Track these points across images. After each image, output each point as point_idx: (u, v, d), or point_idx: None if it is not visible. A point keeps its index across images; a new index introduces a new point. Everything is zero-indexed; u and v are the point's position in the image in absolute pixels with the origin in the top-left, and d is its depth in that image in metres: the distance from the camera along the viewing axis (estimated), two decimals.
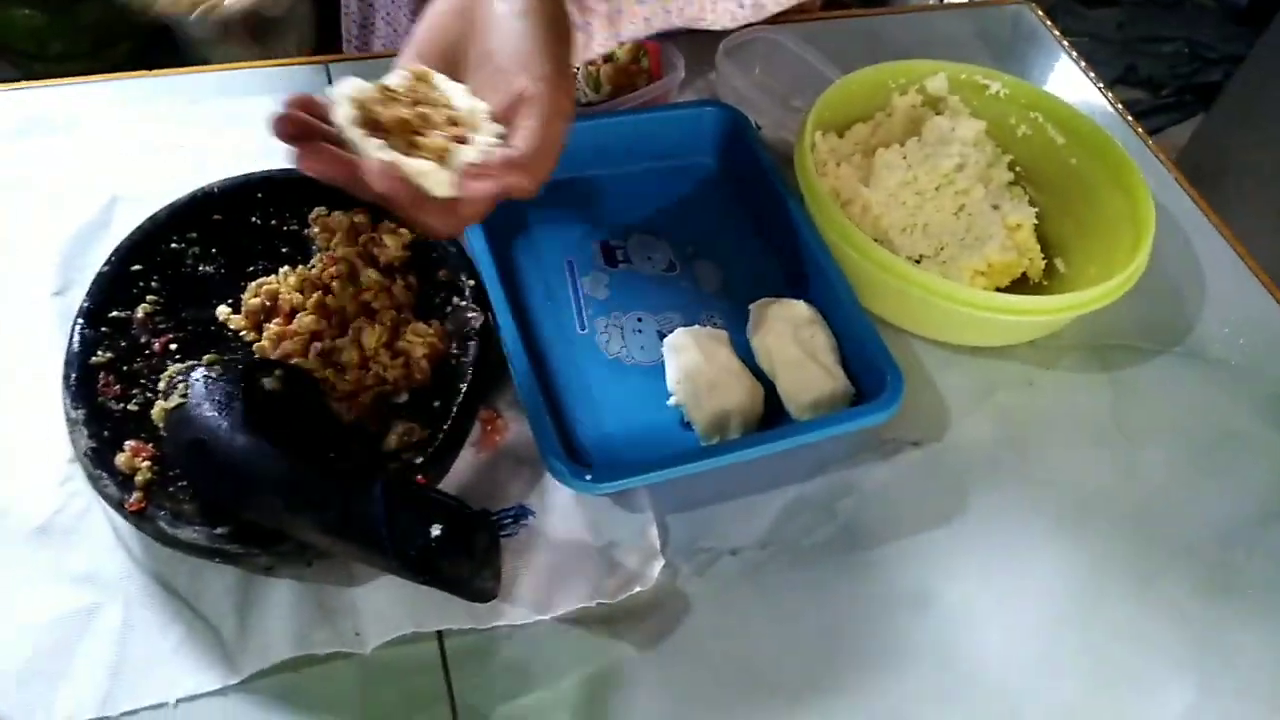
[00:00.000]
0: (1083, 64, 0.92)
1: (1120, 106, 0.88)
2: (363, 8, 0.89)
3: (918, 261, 0.70)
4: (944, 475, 0.61)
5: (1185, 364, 0.69)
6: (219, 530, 0.48)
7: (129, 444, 0.51)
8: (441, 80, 0.46)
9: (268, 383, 0.50)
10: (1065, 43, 0.94)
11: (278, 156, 0.64)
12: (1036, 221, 0.71)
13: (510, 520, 0.54)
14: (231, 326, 0.58)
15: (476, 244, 0.61)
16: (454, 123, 0.44)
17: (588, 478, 0.52)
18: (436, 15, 0.48)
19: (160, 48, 1.97)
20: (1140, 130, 0.86)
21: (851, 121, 0.75)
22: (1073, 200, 0.72)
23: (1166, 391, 0.67)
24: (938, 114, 0.75)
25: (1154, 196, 0.67)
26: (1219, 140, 1.94)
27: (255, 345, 0.56)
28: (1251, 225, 0.79)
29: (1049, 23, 0.96)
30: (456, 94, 0.45)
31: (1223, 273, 0.75)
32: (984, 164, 0.72)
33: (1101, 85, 0.90)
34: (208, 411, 0.48)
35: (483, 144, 0.43)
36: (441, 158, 0.42)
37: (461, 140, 0.43)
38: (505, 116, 0.45)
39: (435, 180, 0.42)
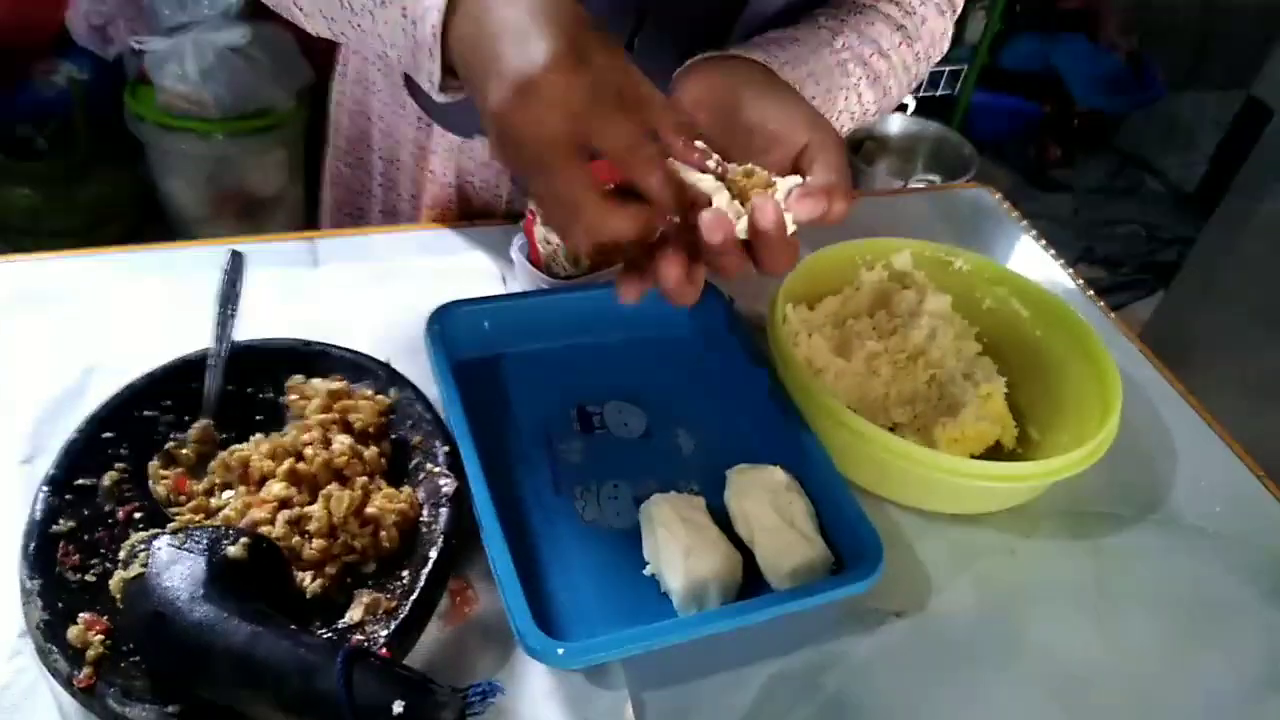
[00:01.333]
0: (1043, 242, 0.96)
1: (1081, 282, 0.91)
2: (357, 121, 0.93)
3: (892, 429, 0.70)
4: (929, 646, 0.59)
5: (1164, 531, 0.69)
6: (170, 709, 0.46)
7: (83, 616, 0.49)
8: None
9: (232, 551, 0.48)
10: (1024, 223, 0.98)
11: (258, 325, 0.66)
12: (1007, 391, 0.72)
13: (478, 698, 0.51)
14: (160, 491, 0.57)
15: (452, 408, 0.61)
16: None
17: (560, 652, 0.50)
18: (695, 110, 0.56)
19: (153, 226, 2.04)
20: (1102, 304, 0.89)
21: (822, 295, 0.77)
22: (1040, 370, 0.74)
23: (1147, 559, 0.67)
24: (905, 288, 0.77)
25: (1120, 367, 0.68)
26: (1180, 315, 2.01)
27: (221, 512, 0.55)
28: (1218, 397, 0.81)
29: (1006, 204, 1.01)
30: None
31: (1193, 440, 0.76)
32: (953, 335, 0.74)
33: (1062, 262, 0.94)
34: (167, 581, 0.47)
35: (791, 182, 0.52)
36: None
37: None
38: (797, 169, 0.54)
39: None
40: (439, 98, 0.56)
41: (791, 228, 0.51)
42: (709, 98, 0.57)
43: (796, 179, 0.52)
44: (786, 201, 0.51)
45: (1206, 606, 0.64)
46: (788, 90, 0.57)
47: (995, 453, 0.71)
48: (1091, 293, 0.90)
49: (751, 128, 0.55)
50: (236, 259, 0.67)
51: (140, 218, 2.04)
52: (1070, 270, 0.93)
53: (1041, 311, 0.75)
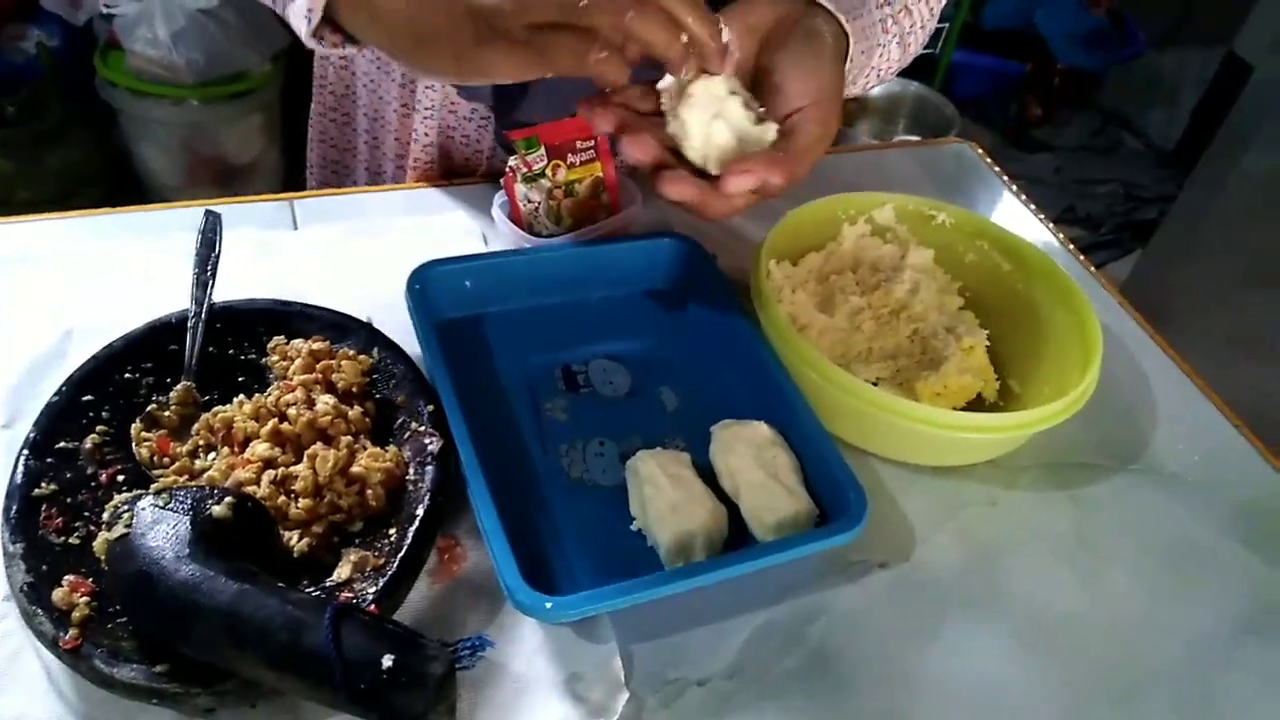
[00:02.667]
0: (1023, 197, 0.96)
1: (1062, 236, 0.92)
2: (343, 76, 0.92)
3: (875, 384, 0.70)
4: (913, 597, 0.60)
5: (1144, 481, 0.70)
6: (158, 668, 0.46)
7: (68, 579, 0.49)
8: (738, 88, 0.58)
9: (217, 511, 0.48)
10: (1005, 178, 0.98)
11: (237, 287, 0.66)
12: (989, 344, 0.73)
13: (468, 652, 0.52)
14: (143, 453, 0.57)
15: (435, 367, 0.61)
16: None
17: (549, 605, 0.51)
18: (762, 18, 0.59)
19: (127, 194, 2.01)
20: (1082, 258, 0.89)
21: (804, 250, 0.77)
22: (1022, 323, 0.74)
23: (1128, 508, 0.68)
24: (887, 243, 0.77)
25: (1100, 320, 0.69)
26: (1158, 274, 2.02)
27: (205, 474, 0.55)
28: (1196, 355, 0.81)
29: (989, 160, 1.01)
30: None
31: (1173, 391, 0.77)
32: (935, 289, 0.74)
33: (1043, 217, 0.94)
34: (152, 541, 0.46)
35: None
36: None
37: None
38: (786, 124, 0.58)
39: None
40: (312, 45, 0.57)
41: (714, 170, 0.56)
42: (750, 29, 0.59)
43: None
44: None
45: (1186, 554, 0.65)
46: (820, 52, 0.59)
47: (977, 405, 0.71)
48: (1072, 247, 0.91)
49: (773, 68, 0.58)
50: (212, 218, 0.66)
51: (114, 186, 2.02)
52: (1051, 225, 0.93)
53: (1023, 265, 0.75)
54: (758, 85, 0.60)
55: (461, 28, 0.50)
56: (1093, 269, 0.89)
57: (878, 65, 0.72)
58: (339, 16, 0.55)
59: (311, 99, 0.95)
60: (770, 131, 0.57)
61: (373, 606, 0.49)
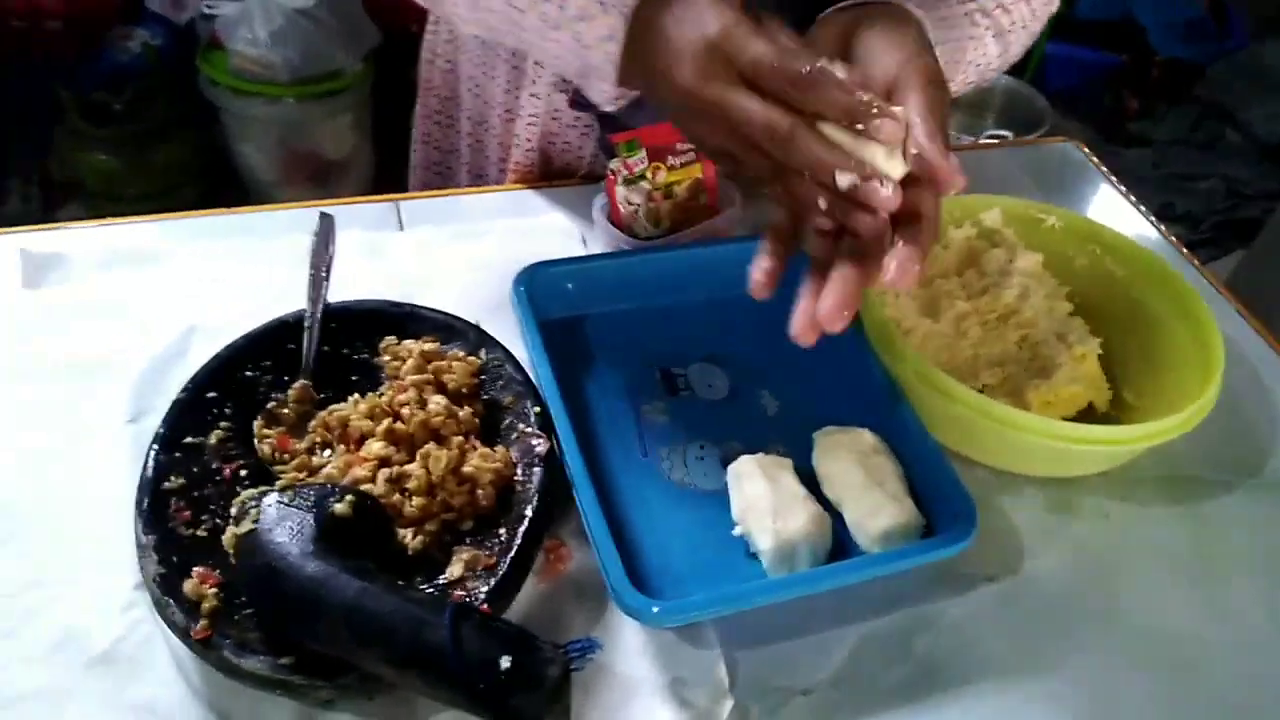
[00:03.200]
0: (1132, 198, 0.93)
1: (1174, 239, 0.88)
2: (448, 80, 0.94)
3: (981, 391, 0.69)
4: (1023, 612, 0.59)
5: (1266, 496, 0.67)
6: (283, 660, 0.47)
7: (196, 570, 0.51)
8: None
9: (338, 509, 0.50)
10: (1113, 178, 0.95)
11: (347, 288, 0.67)
12: (1100, 352, 0.70)
13: (578, 653, 0.52)
14: (264, 449, 0.58)
15: (541, 370, 0.62)
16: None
17: (655, 610, 0.51)
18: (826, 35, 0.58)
19: (227, 189, 2.08)
20: (1196, 263, 0.86)
21: None
22: (1136, 331, 0.72)
23: (1249, 525, 0.65)
24: (994, 246, 0.75)
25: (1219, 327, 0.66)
26: (1263, 273, 1.94)
27: (323, 471, 0.57)
28: None
29: (1095, 159, 0.98)
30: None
31: None
32: (1044, 295, 0.72)
33: (1152, 218, 0.91)
34: (279, 537, 0.48)
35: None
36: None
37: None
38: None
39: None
40: (609, 108, 0.62)
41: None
42: (836, 41, 0.58)
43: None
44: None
45: None
46: (900, 27, 0.57)
47: (1088, 415, 0.69)
48: (1185, 250, 0.87)
49: (852, 58, 0.56)
50: (326, 221, 0.67)
51: (215, 181, 2.08)
52: (1162, 227, 0.90)
53: (1138, 270, 0.73)
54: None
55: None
56: (1205, 272, 0.85)
57: (974, 59, 0.70)
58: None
59: (416, 100, 0.96)
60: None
61: (484, 605, 0.50)
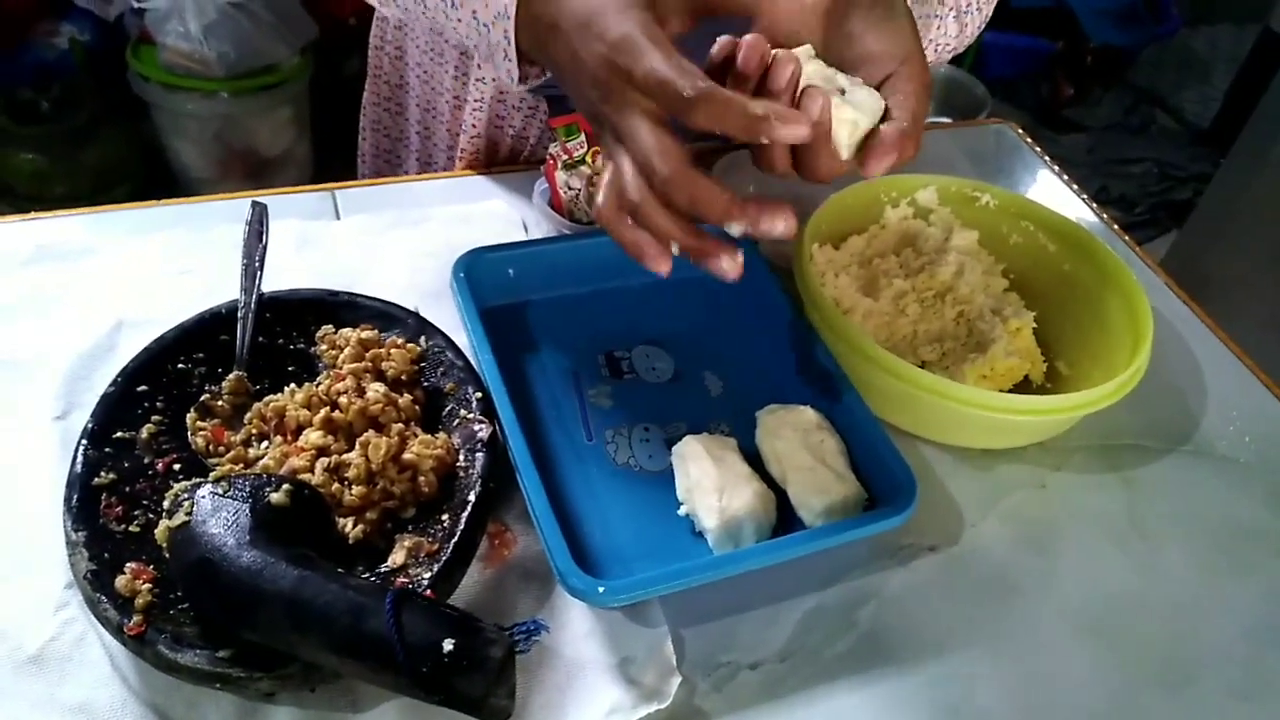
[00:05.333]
0: (1065, 177, 0.95)
1: (1105, 216, 0.90)
2: (397, 67, 0.92)
3: (921, 367, 0.70)
4: (964, 580, 0.60)
5: (1195, 462, 0.69)
6: (221, 654, 0.46)
7: (130, 566, 0.49)
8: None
9: (275, 498, 0.49)
10: (1046, 158, 0.97)
11: (282, 278, 0.66)
12: (1035, 326, 0.72)
13: (523, 635, 0.52)
14: (198, 442, 0.57)
15: (483, 355, 0.61)
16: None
17: (601, 590, 0.51)
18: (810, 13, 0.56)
19: (161, 188, 2.04)
20: (1127, 239, 0.88)
21: (846, 234, 0.76)
22: (1069, 305, 0.73)
23: (1179, 490, 0.67)
24: (930, 225, 0.76)
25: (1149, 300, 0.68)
26: (1195, 254, 1.99)
27: (260, 462, 0.56)
28: (1233, 335, 0.80)
29: (1029, 140, 0.99)
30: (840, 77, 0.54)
31: (1222, 372, 0.76)
32: (980, 271, 0.74)
33: (1085, 197, 0.93)
34: (213, 528, 0.47)
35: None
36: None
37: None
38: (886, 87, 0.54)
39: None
40: (518, 89, 0.60)
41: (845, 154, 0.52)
42: (810, 8, 0.56)
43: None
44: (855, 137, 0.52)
45: (1239, 536, 0.65)
46: (900, 13, 0.56)
47: (1024, 388, 0.71)
48: (1117, 227, 0.89)
49: (853, 36, 0.55)
50: (259, 209, 0.66)
51: (148, 180, 2.04)
52: (1094, 205, 0.92)
53: (1070, 245, 0.74)
54: (841, 60, 0.57)
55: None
56: (1137, 249, 0.87)
57: (935, 39, 0.71)
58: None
59: (361, 91, 0.95)
60: (878, 99, 0.54)
61: (428, 591, 0.49)
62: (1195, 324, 0.81)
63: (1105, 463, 0.68)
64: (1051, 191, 0.94)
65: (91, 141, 1.91)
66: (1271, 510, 0.66)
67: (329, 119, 1.93)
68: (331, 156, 1.04)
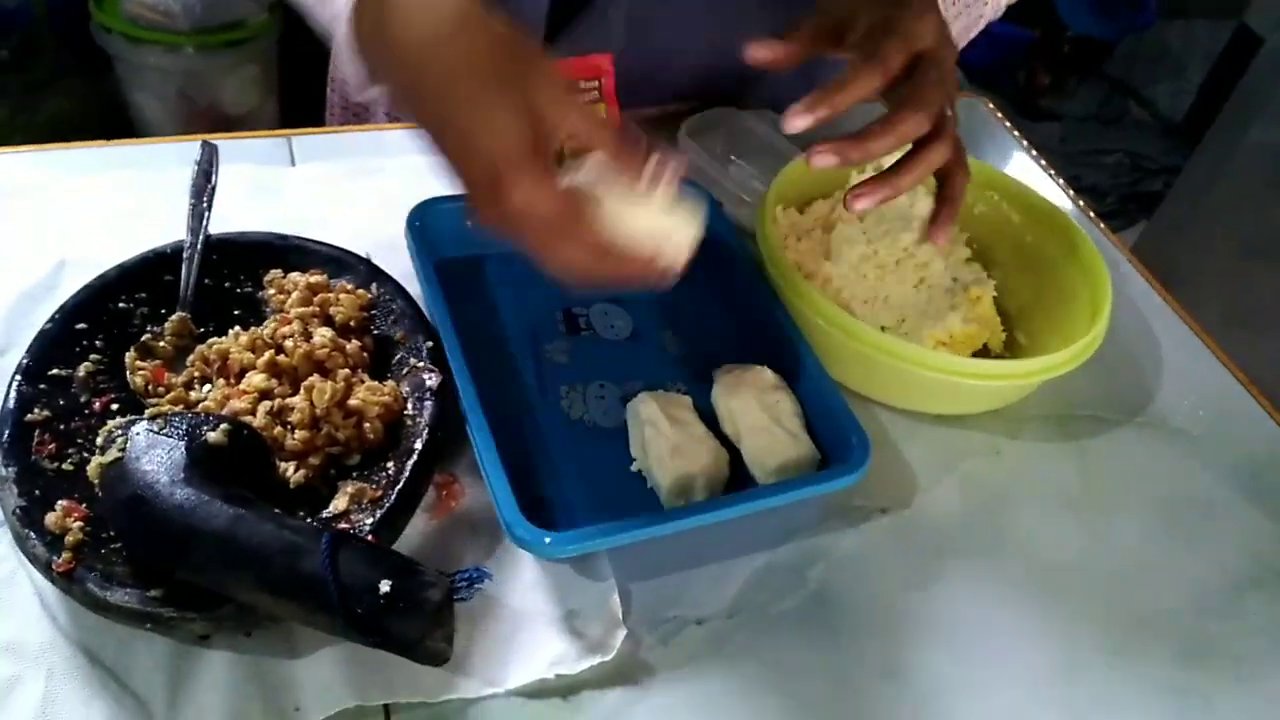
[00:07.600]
0: (1034, 153, 0.95)
1: (1072, 193, 0.90)
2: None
3: (882, 331, 0.69)
4: (914, 543, 0.60)
5: (1149, 434, 0.69)
6: (152, 593, 0.45)
7: (61, 503, 0.48)
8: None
9: (212, 437, 0.48)
10: (1016, 134, 0.97)
11: (234, 224, 0.64)
12: (996, 295, 0.72)
13: (465, 583, 0.51)
14: (137, 382, 0.55)
15: (435, 304, 0.60)
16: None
17: (547, 540, 0.50)
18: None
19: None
20: (1092, 215, 0.88)
21: (811, 199, 0.76)
22: (1030, 275, 0.73)
23: (1132, 460, 0.67)
24: None
25: (1110, 277, 0.68)
26: (1163, 244, 2.01)
27: (200, 404, 0.54)
28: (1202, 325, 0.80)
29: (999, 115, 0.99)
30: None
31: (1179, 348, 0.76)
32: None
33: (1053, 172, 0.92)
34: (147, 465, 0.46)
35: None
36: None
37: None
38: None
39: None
40: (363, 95, 0.53)
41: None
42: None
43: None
44: None
45: (1188, 507, 0.65)
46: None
47: (983, 356, 0.70)
48: (1083, 204, 0.89)
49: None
50: (209, 149, 0.64)
51: (108, 134, 1.98)
52: (1061, 181, 0.92)
53: (1033, 217, 0.74)
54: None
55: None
56: (1102, 226, 0.88)
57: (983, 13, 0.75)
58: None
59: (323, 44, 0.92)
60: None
61: (370, 538, 0.48)
62: (1156, 301, 0.81)
63: (1060, 432, 0.68)
64: (1022, 167, 0.93)
65: (51, 93, 1.87)
66: (1221, 482, 0.67)
67: (298, 81, 1.88)
68: (300, 119, 1.01)
